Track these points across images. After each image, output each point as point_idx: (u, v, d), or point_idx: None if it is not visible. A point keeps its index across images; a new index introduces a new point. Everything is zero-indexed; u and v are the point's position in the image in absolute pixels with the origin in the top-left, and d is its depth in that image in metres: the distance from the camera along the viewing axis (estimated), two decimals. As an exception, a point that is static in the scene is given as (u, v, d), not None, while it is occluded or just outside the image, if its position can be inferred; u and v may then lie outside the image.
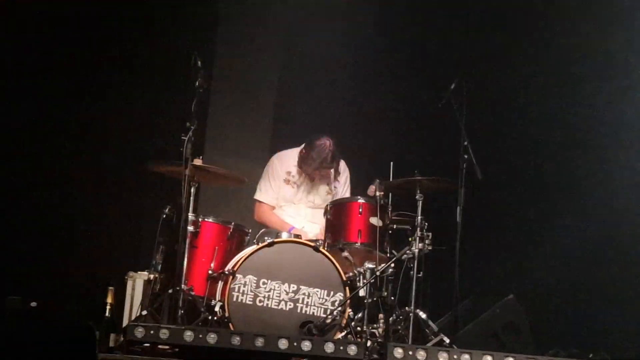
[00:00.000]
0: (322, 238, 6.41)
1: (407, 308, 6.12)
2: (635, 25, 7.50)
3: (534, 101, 7.88)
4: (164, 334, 5.27)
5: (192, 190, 6.08)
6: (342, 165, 6.94)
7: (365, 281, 6.08)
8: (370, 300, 6.07)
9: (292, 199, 6.87)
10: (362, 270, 6.15)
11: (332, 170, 6.82)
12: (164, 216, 6.22)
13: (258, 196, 6.89)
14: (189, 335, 5.27)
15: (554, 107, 7.81)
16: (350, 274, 6.19)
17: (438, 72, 7.54)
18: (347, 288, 6.08)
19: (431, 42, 7.96)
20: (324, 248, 6.19)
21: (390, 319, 6.09)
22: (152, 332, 5.26)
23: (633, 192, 7.44)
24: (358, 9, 7.87)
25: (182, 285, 5.89)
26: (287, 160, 6.90)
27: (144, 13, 7.61)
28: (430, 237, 6.21)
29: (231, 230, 6.31)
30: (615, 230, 7.45)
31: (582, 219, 7.54)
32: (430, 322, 6.14)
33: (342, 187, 6.95)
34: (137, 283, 6.45)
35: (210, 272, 6.17)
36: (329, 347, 5.37)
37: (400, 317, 6.16)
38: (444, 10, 7.87)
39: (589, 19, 7.52)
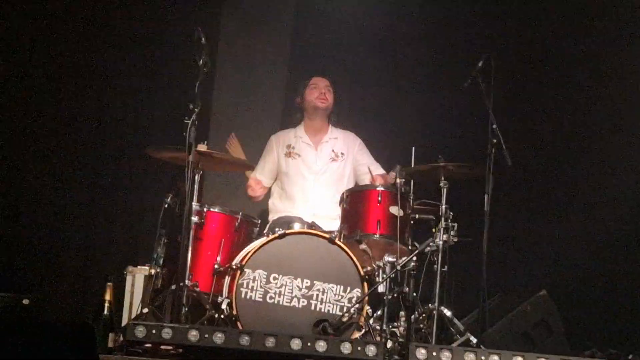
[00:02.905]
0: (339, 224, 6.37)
1: (430, 305, 6.07)
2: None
3: (569, 80, 7.80)
4: (166, 333, 5.21)
5: (196, 177, 6.04)
6: (351, 136, 7.06)
7: (385, 276, 6.03)
8: (390, 296, 6.00)
9: (298, 171, 6.92)
10: (381, 264, 6.10)
11: (334, 129, 7.02)
12: (166, 206, 6.18)
13: (252, 173, 7.00)
14: (193, 335, 5.21)
15: (591, 87, 7.74)
16: (369, 268, 6.14)
17: (464, 48, 7.54)
18: (365, 283, 6.03)
19: (456, 16, 7.88)
20: (340, 240, 6.13)
21: (412, 317, 6.04)
22: (154, 331, 5.20)
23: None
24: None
25: (186, 281, 5.87)
26: (285, 135, 7.06)
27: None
28: (455, 227, 6.14)
29: (239, 220, 6.27)
30: None
31: (621, 208, 7.51)
32: (456, 321, 6.08)
33: (360, 156, 7.01)
34: (137, 278, 6.45)
35: (216, 266, 6.14)
36: (346, 348, 5.29)
37: (423, 315, 6.11)
38: None
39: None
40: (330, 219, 6.62)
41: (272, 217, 6.93)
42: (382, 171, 6.90)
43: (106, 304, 5.79)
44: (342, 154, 7.01)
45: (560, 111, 7.84)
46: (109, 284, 5.86)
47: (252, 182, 6.95)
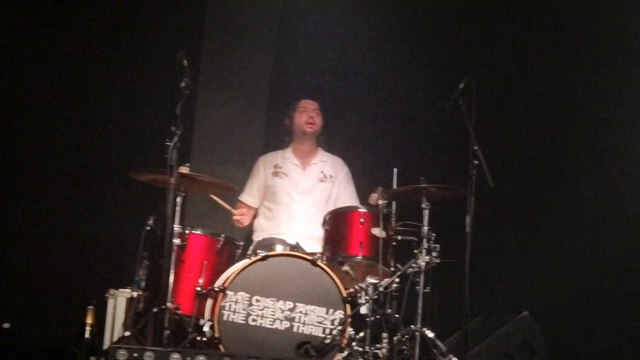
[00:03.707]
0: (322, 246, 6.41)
1: (413, 326, 6.09)
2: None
3: (550, 102, 7.89)
4: (148, 357, 5.23)
5: (178, 200, 6.06)
6: (339, 162, 7.14)
7: (367, 297, 6.05)
8: (372, 318, 6.03)
9: (285, 190, 6.98)
10: (363, 285, 6.12)
11: (323, 152, 7.09)
12: (148, 228, 6.18)
13: (239, 196, 7.05)
14: (176, 358, 5.24)
15: (572, 108, 7.83)
16: (351, 289, 6.17)
17: (445, 70, 7.59)
18: (347, 305, 6.04)
19: (438, 38, 7.98)
20: (322, 262, 6.16)
21: (395, 338, 6.08)
22: (135, 354, 5.22)
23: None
24: (357, 7, 7.91)
25: (168, 304, 5.86)
26: (273, 156, 7.13)
27: (125, 8, 7.62)
28: (437, 249, 6.19)
29: (221, 243, 6.31)
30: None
31: (603, 230, 7.55)
32: (438, 342, 6.09)
33: (345, 183, 7.10)
34: (118, 301, 6.43)
35: (198, 288, 6.15)
36: (328, 370, 5.34)
37: (406, 337, 6.12)
38: (449, 5, 7.93)
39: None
40: (316, 240, 6.66)
41: (256, 237, 6.98)
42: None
43: (88, 327, 5.83)
44: (330, 176, 7.10)
45: (543, 132, 7.92)
46: (90, 307, 5.88)
47: (237, 217, 6.91)
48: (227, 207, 6.81)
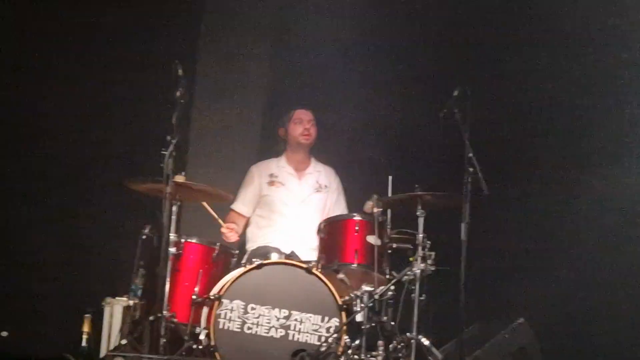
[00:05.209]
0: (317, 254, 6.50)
1: (408, 334, 6.15)
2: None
3: (544, 109, 7.93)
4: (144, 364, 5.28)
5: (174, 208, 6.14)
6: (332, 172, 7.25)
7: (362, 305, 6.11)
8: (368, 326, 6.10)
9: (281, 199, 7.06)
10: (359, 293, 6.17)
11: (316, 162, 7.20)
12: (144, 237, 6.25)
13: (232, 205, 7.10)
14: (171, 366, 5.29)
15: (566, 114, 7.86)
16: (347, 297, 6.22)
17: (440, 78, 7.62)
18: (343, 313, 6.11)
19: (432, 46, 8.03)
20: (317, 269, 6.23)
21: (391, 346, 6.13)
22: (131, 362, 5.27)
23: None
24: (353, 16, 7.95)
25: (164, 312, 5.93)
26: (267, 165, 7.22)
27: (121, 19, 7.68)
28: (433, 256, 6.25)
29: (217, 251, 6.38)
30: (635, 248, 7.45)
31: (598, 236, 7.54)
32: (434, 349, 6.16)
33: (337, 194, 7.20)
34: (115, 310, 6.44)
35: (194, 297, 6.21)
36: (324, 378, 5.38)
37: (402, 344, 6.17)
38: (443, 14, 7.97)
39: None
40: (311, 249, 6.76)
41: (250, 247, 7.05)
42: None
43: (85, 336, 5.86)
44: (325, 186, 7.20)
45: (538, 139, 7.93)
46: (87, 315, 5.92)
47: (225, 230, 6.92)
48: (217, 218, 6.87)
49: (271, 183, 7.12)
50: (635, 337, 7.28)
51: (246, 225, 7.19)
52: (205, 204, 6.79)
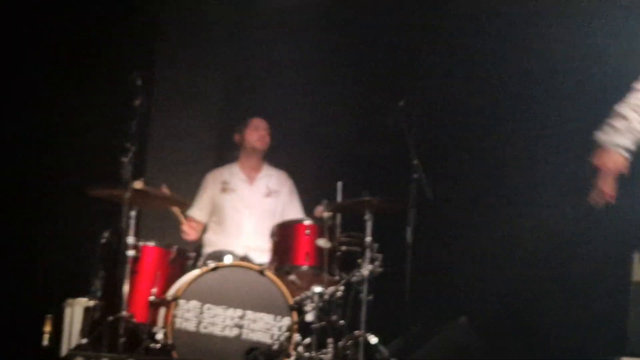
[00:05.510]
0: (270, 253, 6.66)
1: (357, 332, 6.27)
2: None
3: (487, 115, 8.02)
4: (104, 363, 5.36)
5: (133, 213, 6.24)
6: (284, 176, 7.43)
7: (313, 305, 6.25)
8: (318, 324, 6.24)
9: (233, 205, 7.24)
10: (310, 293, 6.31)
11: (268, 167, 7.36)
12: (104, 241, 6.39)
13: (188, 211, 7.29)
14: (130, 364, 5.37)
15: (508, 121, 7.94)
16: (298, 297, 6.36)
17: (387, 87, 7.81)
18: (294, 312, 6.27)
19: (380, 56, 8.19)
20: (270, 271, 6.40)
21: (340, 343, 6.25)
22: (92, 361, 5.34)
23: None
24: (303, 23, 8.16)
25: (123, 312, 6.04)
26: (220, 172, 7.40)
27: (78, 28, 7.81)
28: (380, 258, 6.39)
29: (173, 254, 6.53)
30: (578, 251, 7.51)
31: (539, 239, 7.63)
32: (381, 347, 6.29)
33: (289, 197, 7.38)
34: (75, 310, 6.62)
35: (152, 298, 6.36)
36: (275, 375, 5.46)
37: (350, 342, 6.28)
38: (391, 22, 8.12)
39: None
40: (263, 252, 6.88)
41: (206, 251, 7.19)
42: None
43: (46, 335, 5.94)
44: (275, 190, 7.37)
45: (480, 144, 8.03)
46: (48, 315, 6.02)
47: (185, 228, 7.15)
48: (178, 216, 7.06)
49: (223, 190, 7.29)
50: (587, 338, 7.27)
51: (204, 231, 7.36)
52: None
